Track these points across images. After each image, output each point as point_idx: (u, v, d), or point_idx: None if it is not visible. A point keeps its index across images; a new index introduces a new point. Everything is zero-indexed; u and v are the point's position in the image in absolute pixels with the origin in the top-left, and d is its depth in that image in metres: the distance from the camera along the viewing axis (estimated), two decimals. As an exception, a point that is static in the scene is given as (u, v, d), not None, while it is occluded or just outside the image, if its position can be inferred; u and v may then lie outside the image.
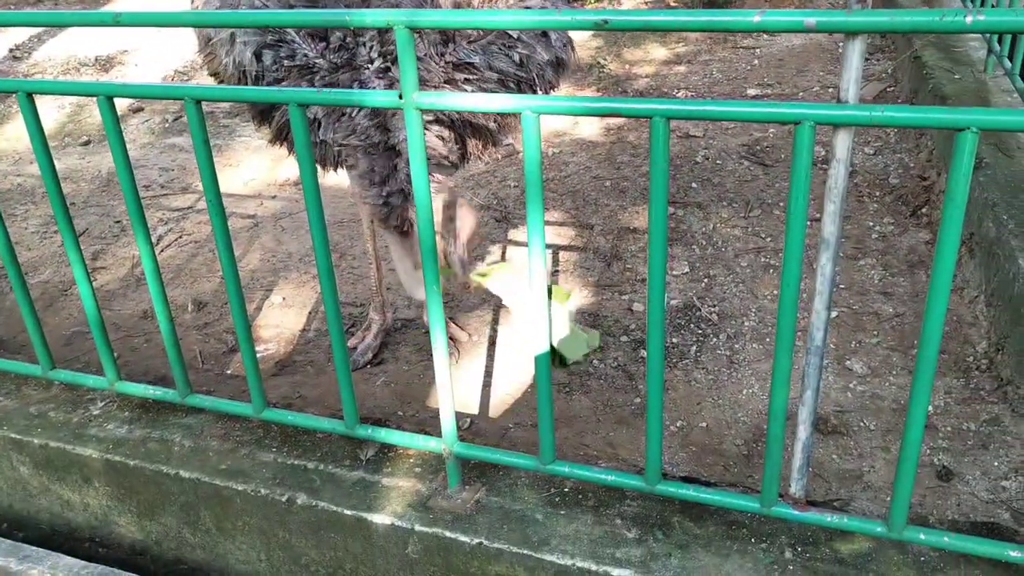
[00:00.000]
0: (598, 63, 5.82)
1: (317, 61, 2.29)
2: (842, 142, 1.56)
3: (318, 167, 2.70)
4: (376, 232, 3.27)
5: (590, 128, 4.99)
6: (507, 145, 4.96)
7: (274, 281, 3.76)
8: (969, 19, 1.36)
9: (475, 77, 2.42)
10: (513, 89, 2.57)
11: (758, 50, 5.71)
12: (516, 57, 2.47)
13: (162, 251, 4.03)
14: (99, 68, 6.54)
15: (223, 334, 3.39)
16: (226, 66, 2.31)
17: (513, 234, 4.07)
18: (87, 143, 5.34)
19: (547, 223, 4.07)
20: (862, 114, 1.48)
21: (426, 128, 2.36)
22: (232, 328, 3.41)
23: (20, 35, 7.28)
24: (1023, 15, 1.33)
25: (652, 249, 1.67)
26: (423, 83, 2.30)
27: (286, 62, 2.24)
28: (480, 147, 2.72)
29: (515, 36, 2.42)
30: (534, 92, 2.69)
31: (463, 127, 2.54)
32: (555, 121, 5.15)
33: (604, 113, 1.65)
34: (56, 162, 5.01)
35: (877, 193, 3.94)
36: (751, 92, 5.03)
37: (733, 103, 1.56)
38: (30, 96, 1.97)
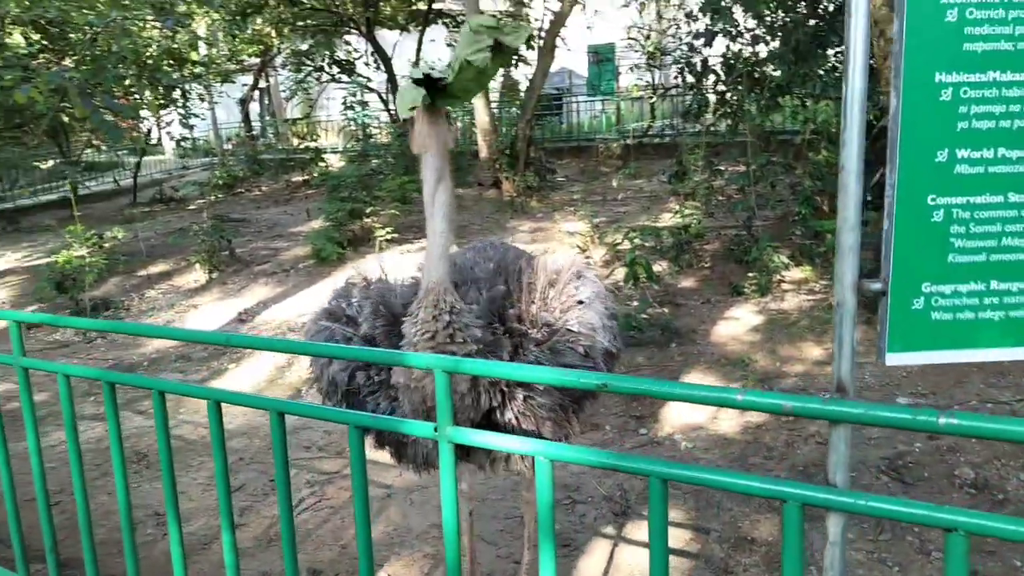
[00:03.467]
0: (747, 359, 5.84)
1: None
2: (834, 525, 1.52)
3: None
4: (473, 523, 3.38)
5: (728, 424, 4.94)
6: (642, 433, 5.02)
7: (387, 556, 3.91)
8: (942, 420, 1.36)
9: None
10: None
11: (921, 353, 5.49)
12: (581, 349, 2.63)
13: (299, 514, 4.35)
14: (303, 335, 7.49)
15: (326, 607, 3.52)
16: (321, 379, 2.70)
17: (629, 530, 4.00)
18: (273, 401, 6.03)
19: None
20: (849, 500, 1.46)
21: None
22: (334, 603, 3.54)
23: (249, 301, 8.60)
24: (988, 421, 1.30)
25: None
26: (506, 385, 2.49)
27: (376, 378, 2.57)
28: None
29: (576, 330, 2.61)
30: None
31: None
32: (694, 413, 5.16)
33: (608, 467, 1.73)
34: (242, 416, 5.74)
35: None
36: (901, 400, 4.80)
37: (728, 474, 1.59)
38: (162, 394, 2.39)
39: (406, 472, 4.73)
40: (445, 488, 1.94)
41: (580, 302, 2.69)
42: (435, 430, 1.93)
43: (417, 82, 2.18)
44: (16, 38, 14.12)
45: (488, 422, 2.55)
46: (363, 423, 2.07)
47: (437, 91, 2.23)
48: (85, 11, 13.46)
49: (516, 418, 2.53)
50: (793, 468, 4.36)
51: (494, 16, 2.19)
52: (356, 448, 2.07)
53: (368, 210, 10.43)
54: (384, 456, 4.94)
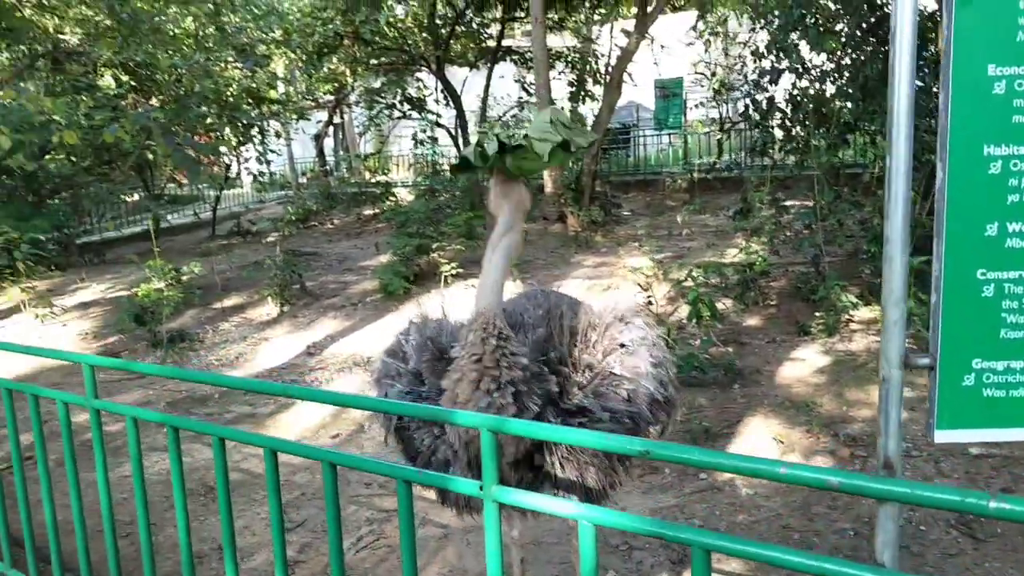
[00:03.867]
0: (812, 402, 5.69)
1: None
2: (881, 606, 1.47)
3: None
4: (525, 570, 3.38)
5: (792, 473, 4.82)
6: (702, 478, 4.92)
7: (441, 599, 3.92)
8: (992, 505, 1.31)
9: (588, 420, 2.59)
10: (628, 424, 2.67)
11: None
12: (624, 393, 2.63)
13: (356, 552, 4.41)
14: (368, 368, 7.63)
15: (378, 650, 3.55)
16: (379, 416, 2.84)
17: (685, 579, 3.94)
18: (336, 436, 6.14)
19: (721, 575, 3.89)
20: (896, 582, 1.42)
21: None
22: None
23: (318, 334, 8.81)
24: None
25: None
26: None
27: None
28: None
29: (618, 372, 2.64)
30: (638, 428, 2.76)
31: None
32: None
33: (652, 535, 1.72)
34: (305, 452, 5.86)
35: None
36: (974, 451, 4.60)
37: (772, 548, 1.56)
38: (222, 441, 2.48)
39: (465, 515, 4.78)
40: (490, 546, 1.96)
41: (622, 345, 2.72)
42: (480, 488, 1.95)
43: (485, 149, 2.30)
44: (107, 80, 14.96)
45: (531, 464, 2.57)
46: (410, 478, 2.11)
47: (502, 154, 2.34)
48: (171, 52, 14.17)
49: (559, 463, 2.55)
50: (858, 519, 4.23)
51: (570, 115, 2.34)
52: (404, 502, 2.11)
53: (434, 245, 10.59)
54: (442, 496, 5.02)
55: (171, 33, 13.87)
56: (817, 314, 7.13)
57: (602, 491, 2.65)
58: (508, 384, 2.38)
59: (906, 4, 1.31)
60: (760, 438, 5.32)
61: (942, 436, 1.45)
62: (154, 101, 14.40)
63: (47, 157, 14.49)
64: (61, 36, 12.87)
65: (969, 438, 1.45)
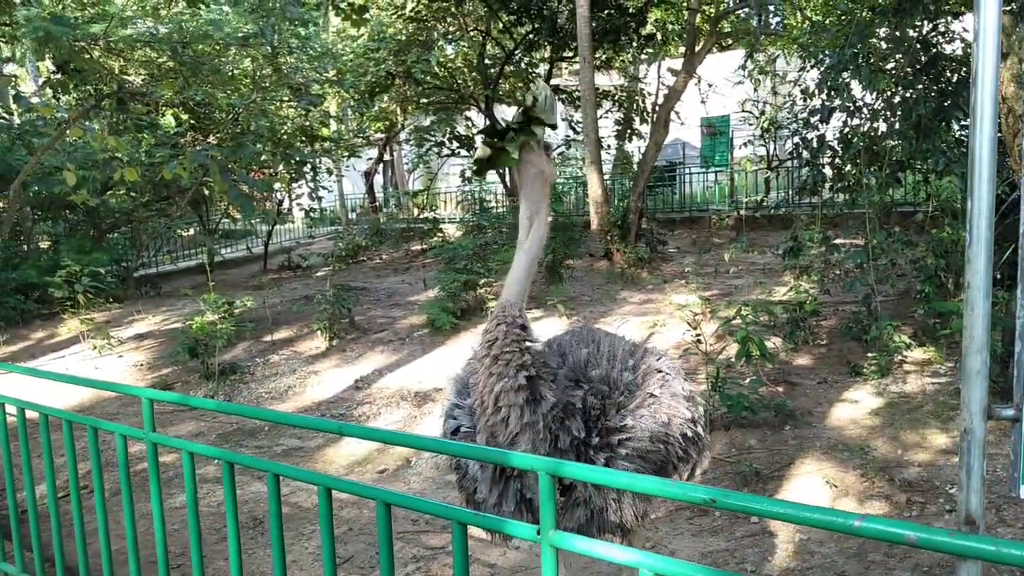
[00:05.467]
0: (866, 445, 5.53)
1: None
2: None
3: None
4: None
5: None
6: (754, 522, 4.79)
7: (488, 643, 3.86)
8: (1086, 566, 1.24)
9: (627, 438, 2.59)
10: (661, 451, 2.68)
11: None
12: (664, 416, 2.65)
13: (402, 591, 4.38)
14: (415, 403, 7.65)
15: None
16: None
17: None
18: (383, 471, 6.14)
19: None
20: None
21: None
22: None
23: (366, 368, 8.86)
24: None
25: None
26: (586, 445, 2.54)
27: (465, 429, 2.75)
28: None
29: (658, 394, 2.68)
30: (668, 460, 2.73)
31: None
32: (811, 498, 4.90)
33: (715, 584, 1.67)
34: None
35: None
36: (1046, 505, 4.40)
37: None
38: (276, 477, 2.48)
39: (509, 551, 4.72)
40: (547, 592, 1.92)
41: (659, 371, 2.79)
42: (537, 533, 1.91)
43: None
44: (168, 118, 15.46)
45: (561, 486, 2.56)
46: (466, 520, 2.08)
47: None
48: (229, 92, 14.60)
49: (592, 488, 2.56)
50: (917, 568, 4.07)
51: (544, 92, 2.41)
52: (459, 544, 2.08)
53: (481, 281, 10.62)
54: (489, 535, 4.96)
55: (230, 74, 14.30)
56: (869, 354, 6.96)
57: (637, 517, 2.66)
58: (520, 367, 2.42)
59: (988, 48, 1.29)
60: (812, 481, 5.17)
61: (1028, 492, 1.38)
62: (212, 139, 14.81)
63: (108, 193, 14.97)
64: (126, 77, 13.36)
65: (1058, 494, 1.38)
